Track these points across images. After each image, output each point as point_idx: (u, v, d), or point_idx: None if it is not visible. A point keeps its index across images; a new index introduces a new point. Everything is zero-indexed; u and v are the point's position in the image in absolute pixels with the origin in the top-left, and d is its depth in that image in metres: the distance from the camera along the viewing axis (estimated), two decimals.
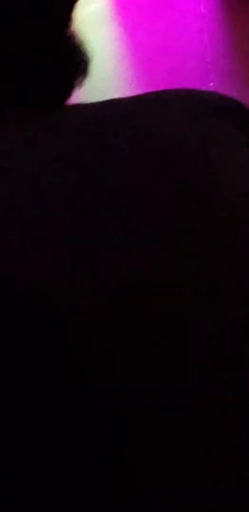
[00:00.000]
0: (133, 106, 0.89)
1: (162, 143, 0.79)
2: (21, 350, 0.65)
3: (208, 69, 6.35)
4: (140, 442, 0.68)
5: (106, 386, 0.66)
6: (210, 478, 0.69)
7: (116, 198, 0.70)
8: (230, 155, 0.82)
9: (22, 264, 0.66)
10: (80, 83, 0.89)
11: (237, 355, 0.70)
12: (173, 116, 0.85)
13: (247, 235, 0.74)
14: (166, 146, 0.78)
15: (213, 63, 6.36)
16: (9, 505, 0.64)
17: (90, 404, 0.66)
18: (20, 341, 0.66)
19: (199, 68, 6.21)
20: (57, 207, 0.69)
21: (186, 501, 0.68)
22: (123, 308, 0.66)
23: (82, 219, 0.68)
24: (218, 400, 0.68)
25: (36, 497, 0.65)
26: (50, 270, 0.67)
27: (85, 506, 0.64)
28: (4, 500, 0.64)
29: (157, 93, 0.96)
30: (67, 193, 0.70)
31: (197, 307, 0.70)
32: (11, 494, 0.64)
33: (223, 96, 0.99)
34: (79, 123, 0.82)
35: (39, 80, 0.84)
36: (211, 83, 6.37)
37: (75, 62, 0.90)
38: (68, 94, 0.91)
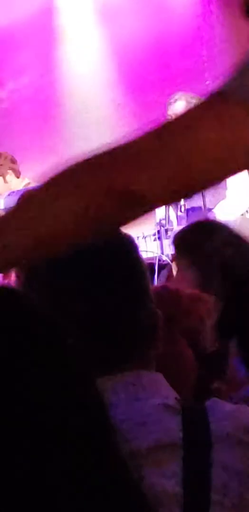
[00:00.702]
0: None
1: None
2: None
3: (204, 68, 6.34)
4: None
5: None
6: None
7: None
8: None
9: None
10: None
11: None
12: None
13: None
14: None
15: (210, 61, 6.35)
16: None
17: None
18: None
19: (196, 67, 6.21)
20: None
21: None
22: None
23: None
24: None
25: None
26: None
27: None
28: None
29: None
30: None
31: None
32: None
33: None
34: None
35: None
36: (208, 81, 6.37)
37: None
38: None
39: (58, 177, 0.93)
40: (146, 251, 3.90)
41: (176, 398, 1.08)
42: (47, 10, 6.85)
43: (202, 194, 3.83)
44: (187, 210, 4.50)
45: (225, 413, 1.07)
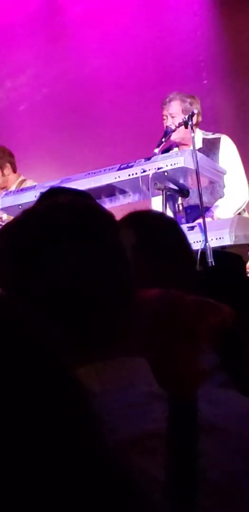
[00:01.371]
0: None
1: None
2: None
3: (201, 67, 6.34)
4: None
5: None
6: None
7: None
8: None
9: None
10: None
11: None
12: None
13: None
14: None
15: (207, 61, 6.36)
16: None
17: None
18: None
19: (192, 67, 6.21)
20: None
21: None
22: None
23: None
24: None
25: None
26: None
27: None
28: None
29: None
30: None
31: None
32: None
33: None
34: None
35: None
36: (205, 81, 6.37)
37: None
38: None
39: None
40: None
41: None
42: (45, 9, 6.86)
43: (199, 193, 3.83)
44: (185, 209, 4.51)
45: (214, 403, 1.07)
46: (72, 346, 1.00)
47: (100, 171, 4.01)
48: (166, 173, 3.85)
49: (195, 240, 3.84)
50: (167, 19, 6.46)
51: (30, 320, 0.80)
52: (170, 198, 4.28)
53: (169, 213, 4.43)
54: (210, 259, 3.73)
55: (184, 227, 4.02)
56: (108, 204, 4.11)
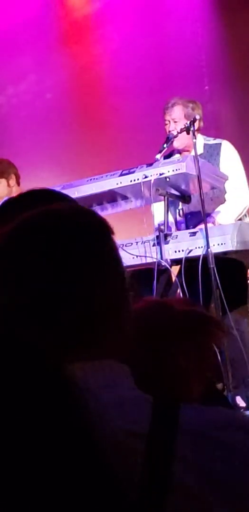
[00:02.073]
0: None
1: None
2: None
3: (202, 73, 6.34)
4: None
5: None
6: None
7: None
8: None
9: None
10: None
11: None
12: None
13: None
14: None
15: (208, 66, 6.35)
16: None
17: None
18: None
19: (194, 72, 6.21)
20: None
21: None
22: None
23: None
24: None
25: None
26: None
27: None
28: None
29: None
30: None
31: None
32: None
33: None
34: None
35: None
36: (206, 87, 6.36)
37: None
38: None
39: None
40: (145, 256, 3.90)
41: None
42: (46, 15, 6.86)
43: (201, 198, 3.83)
44: (185, 215, 4.50)
45: (197, 409, 1.08)
46: (66, 346, 1.02)
47: (102, 176, 4.01)
48: (167, 179, 3.84)
49: (197, 245, 3.84)
50: (169, 25, 6.47)
51: (22, 325, 0.81)
52: (171, 203, 4.28)
53: (171, 219, 4.43)
54: (212, 265, 3.73)
55: (186, 232, 4.02)
56: (110, 210, 4.11)
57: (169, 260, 3.90)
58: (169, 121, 4.55)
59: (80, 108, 6.67)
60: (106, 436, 0.94)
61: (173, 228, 4.48)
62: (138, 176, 3.87)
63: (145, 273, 3.92)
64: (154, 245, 3.93)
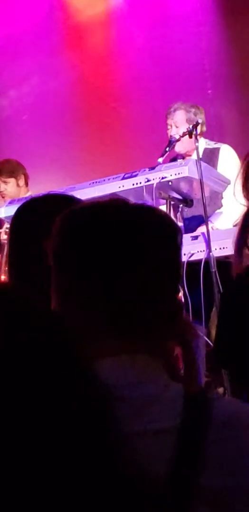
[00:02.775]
0: None
1: None
2: None
3: (206, 77, 6.34)
4: None
5: None
6: None
7: None
8: None
9: None
10: None
11: None
12: None
13: None
14: None
15: (211, 70, 6.36)
16: None
17: None
18: None
19: (197, 76, 6.21)
20: None
21: None
22: None
23: None
24: None
25: None
26: None
27: None
28: None
29: None
30: None
31: None
32: None
33: None
34: None
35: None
36: (209, 91, 6.37)
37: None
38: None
39: None
40: None
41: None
42: (49, 19, 6.87)
43: (203, 202, 3.83)
44: (185, 219, 4.50)
45: (228, 403, 1.11)
46: (98, 337, 1.06)
47: (104, 180, 4.02)
48: (170, 183, 3.85)
49: (198, 249, 3.84)
50: (172, 29, 6.47)
51: (47, 311, 0.82)
52: (173, 207, 4.28)
53: None
54: (214, 269, 3.73)
55: (188, 236, 4.02)
56: None
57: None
58: (171, 126, 4.56)
59: (83, 112, 6.68)
60: (129, 435, 0.95)
61: None
62: (140, 179, 3.87)
63: None
64: None
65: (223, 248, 3.80)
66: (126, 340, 1.08)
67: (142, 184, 3.85)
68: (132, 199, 4.08)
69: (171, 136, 4.49)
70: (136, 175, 3.91)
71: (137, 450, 0.96)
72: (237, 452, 1.02)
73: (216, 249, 3.78)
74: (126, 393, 1.03)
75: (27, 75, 6.98)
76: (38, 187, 5.20)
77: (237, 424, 1.04)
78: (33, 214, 1.76)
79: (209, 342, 4.19)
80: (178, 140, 4.41)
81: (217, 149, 4.57)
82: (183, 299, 3.91)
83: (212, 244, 3.76)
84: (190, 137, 4.14)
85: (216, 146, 4.60)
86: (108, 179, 4.00)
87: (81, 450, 0.73)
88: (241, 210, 4.46)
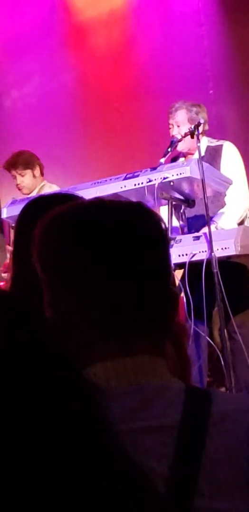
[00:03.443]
0: None
1: None
2: None
3: (208, 77, 6.34)
4: None
5: None
6: None
7: None
8: None
9: None
10: None
11: None
12: None
13: None
14: None
15: (213, 70, 6.35)
16: None
17: None
18: None
19: (199, 76, 6.21)
20: None
21: None
22: None
23: None
24: None
25: None
26: None
27: None
28: None
29: None
30: None
31: None
32: None
33: None
34: None
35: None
36: (211, 91, 6.37)
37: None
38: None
39: None
40: None
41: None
42: (51, 20, 6.88)
43: (205, 202, 3.83)
44: (188, 219, 4.50)
45: (227, 396, 1.10)
46: (92, 341, 1.06)
47: (106, 180, 4.02)
48: (171, 183, 3.84)
49: (200, 249, 3.84)
50: (173, 29, 6.47)
51: (43, 315, 0.82)
52: (174, 207, 4.28)
53: (175, 222, 4.43)
54: (216, 269, 3.73)
55: (190, 236, 4.02)
56: None
57: (172, 264, 3.89)
58: (173, 125, 4.56)
59: (85, 112, 6.68)
60: (131, 432, 0.94)
61: (180, 232, 4.48)
62: (142, 180, 3.87)
63: None
64: None
65: (225, 248, 3.80)
66: (126, 340, 1.08)
67: (143, 185, 3.85)
68: (134, 200, 4.08)
69: (172, 136, 4.49)
70: (137, 176, 3.91)
71: (138, 447, 0.97)
72: (237, 443, 1.02)
73: (218, 249, 3.78)
74: (126, 393, 1.03)
75: (29, 75, 6.99)
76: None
77: (236, 415, 1.04)
78: (38, 212, 1.77)
79: (211, 342, 4.20)
80: (180, 140, 4.41)
81: (220, 146, 4.56)
82: (184, 299, 3.91)
83: (214, 244, 3.76)
84: (192, 137, 4.14)
85: (218, 143, 4.59)
86: (110, 179, 4.00)
87: (81, 449, 0.73)
88: (244, 208, 4.48)
